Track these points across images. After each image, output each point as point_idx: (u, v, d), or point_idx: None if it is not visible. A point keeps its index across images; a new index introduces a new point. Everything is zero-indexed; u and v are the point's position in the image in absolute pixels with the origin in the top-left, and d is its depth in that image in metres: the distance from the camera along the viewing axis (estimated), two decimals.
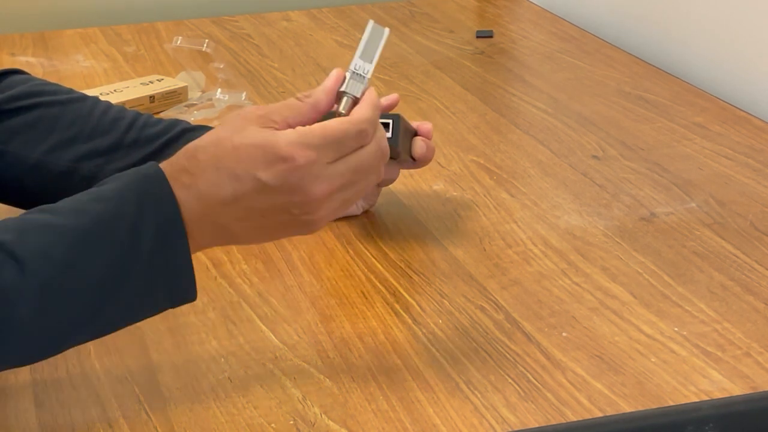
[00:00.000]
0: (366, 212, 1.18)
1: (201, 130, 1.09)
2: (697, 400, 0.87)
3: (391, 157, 1.13)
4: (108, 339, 0.96)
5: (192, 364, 0.93)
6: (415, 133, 1.14)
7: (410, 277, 1.06)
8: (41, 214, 0.82)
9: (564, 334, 0.96)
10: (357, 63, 0.89)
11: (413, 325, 0.98)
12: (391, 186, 1.19)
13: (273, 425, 0.85)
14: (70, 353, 0.94)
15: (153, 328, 0.98)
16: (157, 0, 2.00)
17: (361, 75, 0.88)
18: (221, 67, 1.60)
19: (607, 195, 1.21)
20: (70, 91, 1.14)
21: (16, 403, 0.89)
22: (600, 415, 0.85)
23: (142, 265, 0.81)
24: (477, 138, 1.37)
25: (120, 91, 1.47)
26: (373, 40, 0.90)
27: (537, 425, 0.84)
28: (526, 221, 1.15)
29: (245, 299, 1.03)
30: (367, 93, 0.88)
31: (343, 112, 0.87)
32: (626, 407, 0.86)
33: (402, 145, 1.10)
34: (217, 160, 0.82)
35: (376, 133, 0.86)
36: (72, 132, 1.09)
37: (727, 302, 1.00)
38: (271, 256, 1.10)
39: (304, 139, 0.82)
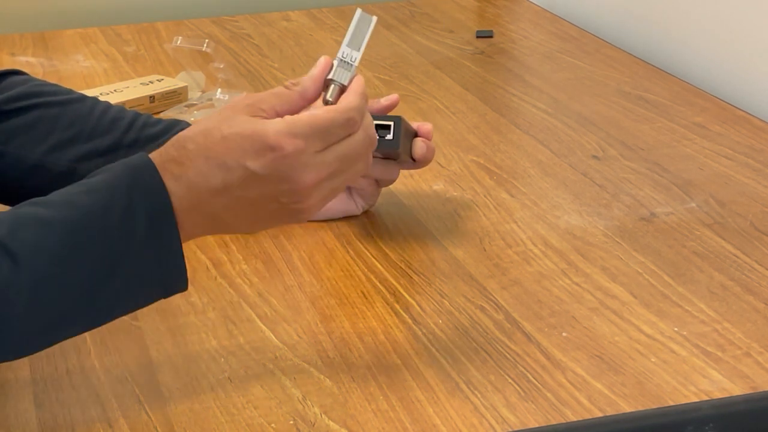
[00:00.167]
0: (366, 212, 1.18)
1: None
2: (697, 400, 0.87)
3: (391, 158, 1.14)
4: (108, 339, 0.96)
5: (192, 364, 0.93)
6: (416, 134, 1.14)
7: (410, 277, 1.06)
8: (33, 207, 0.82)
9: (564, 334, 0.96)
10: (344, 51, 0.89)
11: (413, 325, 0.98)
12: (391, 186, 1.19)
13: (273, 425, 0.85)
14: (70, 353, 0.94)
15: (153, 328, 0.98)
16: (157, 0, 2.00)
17: (348, 63, 0.89)
18: (221, 67, 1.60)
19: (607, 195, 1.21)
20: (70, 91, 1.14)
21: (16, 403, 0.89)
22: (600, 415, 0.85)
23: (134, 256, 0.82)
24: (477, 138, 1.37)
25: (120, 91, 1.47)
26: (361, 28, 0.90)
27: (537, 425, 0.84)
28: (526, 221, 1.15)
29: (245, 299, 1.03)
30: (354, 81, 0.88)
31: (330, 99, 0.87)
32: (626, 407, 0.86)
33: (403, 146, 1.10)
34: (206, 149, 0.83)
35: (364, 121, 0.87)
36: (71, 132, 1.09)
37: (727, 302, 1.00)
38: (271, 256, 1.10)
39: (292, 128, 0.82)
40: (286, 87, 0.87)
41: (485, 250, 1.10)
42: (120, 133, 1.10)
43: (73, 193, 0.83)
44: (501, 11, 1.90)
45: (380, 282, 1.05)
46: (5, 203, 1.09)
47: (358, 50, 0.90)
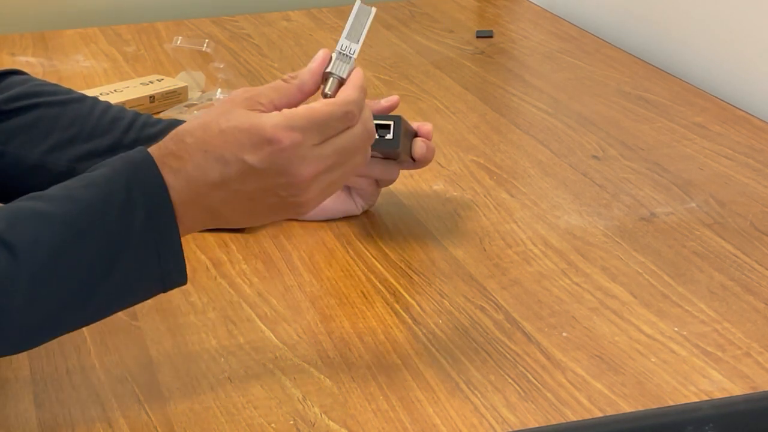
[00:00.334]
0: (366, 212, 1.18)
1: None
2: (697, 400, 0.87)
3: (391, 158, 1.14)
4: (108, 339, 0.96)
5: (192, 364, 0.93)
6: (416, 134, 1.14)
7: (410, 277, 1.06)
8: (32, 202, 0.82)
9: (564, 334, 0.96)
10: (343, 43, 0.89)
11: (413, 325, 0.98)
12: (391, 186, 1.19)
13: (273, 425, 0.85)
14: (70, 353, 0.94)
15: (153, 327, 0.98)
16: (157, 0, 2.00)
17: (347, 55, 0.88)
18: (221, 67, 1.60)
19: (607, 195, 1.21)
20: (70, 91, 1.14)
21: (16, 403, 0.89)
22: (600, 415, 0.85)
23: (133, 250, 0.82)
24: (477, 138, 1.37)
25: (120, 91, 1.47)
26: (360, 20, 0.90)
27: (537, 425, 0.84)
28: (526, 221, 1.15)
29: (245, 299, 1.03)
30: (353, 74, 0.88)
31: (329, 93, 0.87)
32: (626, 407, 0.86)
33: (402, 146, 1.10)
34: (204, 143, 0.83)
35: (362, 115, 0.87)
36: (71, 132, 1.09)
37: (727, 302, 1.00)
38: (271, 256, 1.10)
39: (290, 121, 0.83)
40: (285, 80, 0.87)
41: (485, 250, 1.10)
42: (120, 133, 1.10)
43: (72, 188, 0.83)
44: (501, 11, 1.90)
45: (380, 282, 1.05)
46: (5, 203, 1.09)
47: (357, 42, 0.89)
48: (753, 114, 1.41)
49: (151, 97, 1.46)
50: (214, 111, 0.85)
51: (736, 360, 0.91)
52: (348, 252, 1.11)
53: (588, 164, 1.28)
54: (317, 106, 0.84)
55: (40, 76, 1.17)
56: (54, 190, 0.83)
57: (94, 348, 0.95)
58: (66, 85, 1.16)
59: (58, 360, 0.94)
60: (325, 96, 0.87)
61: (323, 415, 0.86)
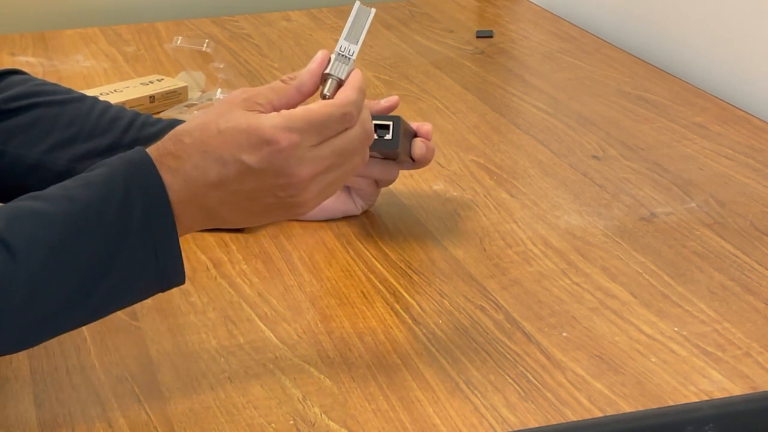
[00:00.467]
0: (366, 212, 1.18)
1: None
2: (697, 400, 0.87)
3: (390, 158, 1.14)
4: (108, 338, 0.96)
5: (192, 364, 0.93)
6: (415, 134, 1.14)
7: (410, 277, 1.06)
8: (30, 201, 0.83)
9: (564, 334, 0.96)
10: (342, 44, 0.89)
11: (413, 325, 0.98)
12: (391, 186, 1.19)
13: (273, 425, 0.85)
14: (70, 353, 0.94)
15: (153, 327, 0.98)
16: (157, 0, 2.00)
17: (346, 56, 0.88)
18: (221, 67, 1.60)
19: (607, 195, 1.21)
20: (69, 91, 1.14)
21: (16, 403, 0.89)
22: (600, 415, 0.85)
23: (131, 249, 0.82)
24: (477, 138, 1.37)
25: (120, 91, 1.47)
26: (359, 21, 0.90)
27: (537, 425, 0.84)
28: (526, 221, 1.15)
29: (245, 299, 1.03)
30: (352, 75, 0.88)
31: (327, 94, 0.87)
32: (626, 407, 0.86)
33: (402, 147, 1.10)
34: (202, 144, 0.83)
35: (361, 116, 0.87)
36: (71, 132, 1.09)
37: (727, 302, 1.00)
38: (271, 256, 1.10)
39: (288, 122, 0.83)
40: (283, 81, 0.87)
41: (485, 250, 1.10)
42: (119, 133, 1.10)
43: (70, 187, 0.83)
44: (501, 11, 1.90)
45: (380, 282, 1.05)
46: (4, 202, 1.09)
47: (356, 43, 0.89)
48: (753, 114, 1.41)
49: (151, 97, 1.46)
50: (212, 111, 0.85)
51: (736, 360, 0.91)
52: (348, 252, 1.11)
53: (588, 164, 1.28)
54: (315, 107, 0.84)
55: (40, 76, 1.17)
56: (53, 189, 0.83)
57: (94, 348, 0.95)
58: (66, 85, 1.16)
59: (58, 360, 0.94)
60: (324, 97, 0.87)
61: (323, 415, 0.86)
